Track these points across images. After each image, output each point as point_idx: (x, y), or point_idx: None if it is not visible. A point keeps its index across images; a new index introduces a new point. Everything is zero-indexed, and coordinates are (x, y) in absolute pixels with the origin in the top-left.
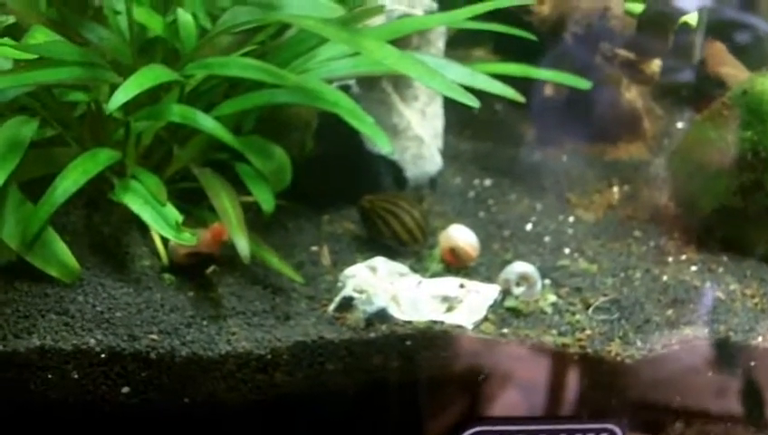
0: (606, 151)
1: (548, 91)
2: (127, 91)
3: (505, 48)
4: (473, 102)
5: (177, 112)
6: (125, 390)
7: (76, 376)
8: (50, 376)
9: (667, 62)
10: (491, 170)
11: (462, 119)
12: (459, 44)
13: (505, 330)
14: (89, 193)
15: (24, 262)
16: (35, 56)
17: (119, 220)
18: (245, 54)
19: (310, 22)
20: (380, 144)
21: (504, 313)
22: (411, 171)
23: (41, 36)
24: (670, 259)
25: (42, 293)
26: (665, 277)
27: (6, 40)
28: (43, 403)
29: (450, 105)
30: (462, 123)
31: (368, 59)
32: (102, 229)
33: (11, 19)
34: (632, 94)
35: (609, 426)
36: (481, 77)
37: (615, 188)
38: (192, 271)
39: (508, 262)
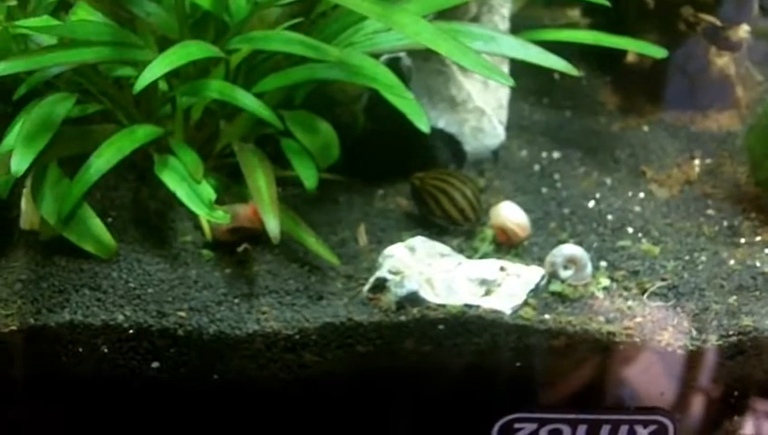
0: (694, 121)
1: (630, 58)
2: (154, 70)
3: (595, 10)
4: (507, 81)
5: (216, 88)
6: (155, 365)
7: (106, 350)
8: (80, 350)
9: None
10: (562, 142)
11: (541, 86)
12: (555, 3)
13: (547, 316)
14: (140, 168)
15: (66, 238)
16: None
17: (166, 195)
18: (294, 28)
19: None
20: (417, 122)
21: (547, 297)
22: (471, 145)
23: (82, 13)
24: (743, 241)
25: (78, 268)
26: (732, 261)
27: (46, 18)
28: (75, 376)
29: (531, 72)
30: (541, 91)
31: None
32: (149, 204)
33: None
34: (723, 61)
35: (660, 418)
36: (533, 49)
37: (696, 162)
38: (233, 247)
39: (563, 242)
